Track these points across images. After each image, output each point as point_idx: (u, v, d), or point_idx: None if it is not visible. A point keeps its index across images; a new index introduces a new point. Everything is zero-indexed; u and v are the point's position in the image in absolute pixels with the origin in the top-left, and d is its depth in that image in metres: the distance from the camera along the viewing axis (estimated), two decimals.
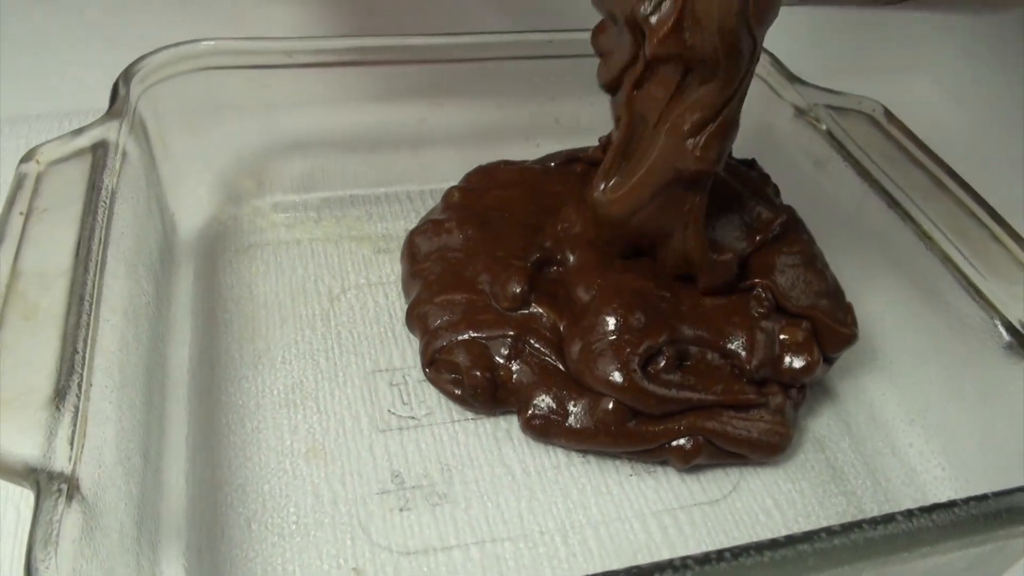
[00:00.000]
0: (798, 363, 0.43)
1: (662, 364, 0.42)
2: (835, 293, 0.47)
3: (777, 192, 0.53)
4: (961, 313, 0.43)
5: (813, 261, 0.47)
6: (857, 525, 0.30)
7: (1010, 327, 0.41)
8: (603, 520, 0.41)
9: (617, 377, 0.41)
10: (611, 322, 0.42)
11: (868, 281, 0.49)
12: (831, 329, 0.44)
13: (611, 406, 0.42)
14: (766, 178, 0.53)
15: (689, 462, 0.42)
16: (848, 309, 0.46)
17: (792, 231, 0.48)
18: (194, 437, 0.43)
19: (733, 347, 0.43)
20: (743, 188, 0.49)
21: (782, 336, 0.44)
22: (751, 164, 0.55)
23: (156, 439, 0.41)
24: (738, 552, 0.28)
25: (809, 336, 0.44)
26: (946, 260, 0.44)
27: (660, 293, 0.44)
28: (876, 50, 0.78)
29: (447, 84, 0.56)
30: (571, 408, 0.43)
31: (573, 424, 0.42)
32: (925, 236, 0.45)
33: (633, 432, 0.42)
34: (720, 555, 0.28)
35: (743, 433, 0.42)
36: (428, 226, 0.51)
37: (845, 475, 0.44)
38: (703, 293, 0.45)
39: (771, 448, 0.43)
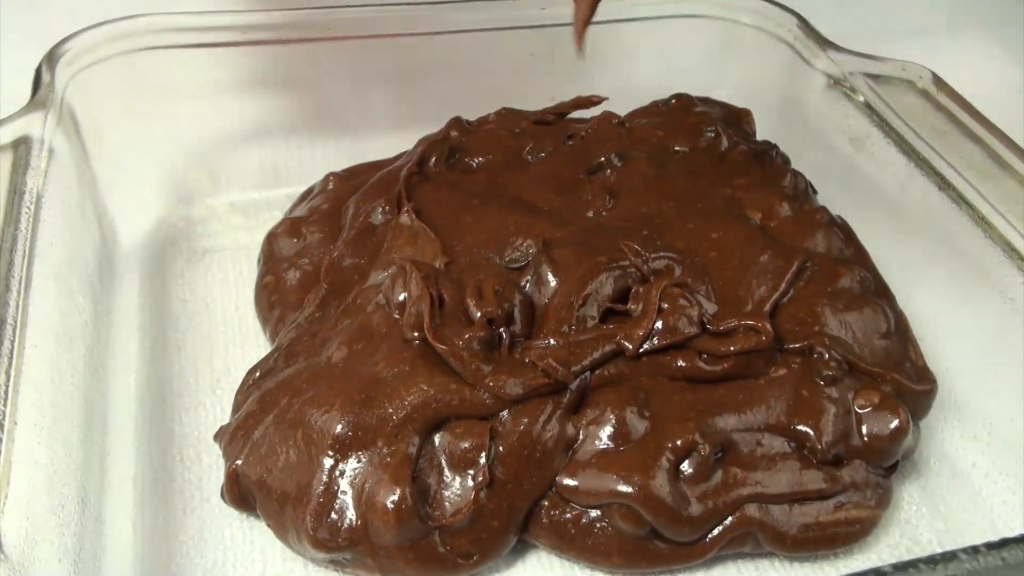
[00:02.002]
0: (884, 429, 0.40)
1: (690, 471, 0.39)
2: (902, 333, 0.45)
3: (810, 188, 0.53)
4: None
5: (867, 290, 0.45)
6: (912, 565, 0.29)
7: None
8: None
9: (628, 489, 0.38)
10: (605, 431, 0.39)
11: (916, 276, 0.49)
12: (910, 390, 0.42)
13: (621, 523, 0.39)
14: (790, 170, 0.52)
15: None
16: (918, 353, 0.44)
17: (833, 248, 0.47)
18: (142, 477, 0.42)
19: (797, 427, 0.40)
20: (750, 195, 0.49)
21: (859, 401, 0.41)
22: (768, 151, 0.54)
23: (96, 482, 0.40)
24: None
25: (890, 395, 0.41)
26: (1009, 249, 0.43)
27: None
28: (922, 7, 0.77)
29: (428, 57, 0.56)
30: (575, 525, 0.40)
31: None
32: (983, 221, 0.44)
33: (656, 554, 0.39)
34: None
35: (814, 530, 0.39)
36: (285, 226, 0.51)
37: (898, 500, 0.43)
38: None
39: (852, 537, 0.40)
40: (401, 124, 0.57)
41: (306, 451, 0.38)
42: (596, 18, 0.50)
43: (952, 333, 0.47)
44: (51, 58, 0.47)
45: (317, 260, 0.49)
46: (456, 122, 0.55)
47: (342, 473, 0.38)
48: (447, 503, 0.38)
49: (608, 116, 0.56)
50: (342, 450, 0.38)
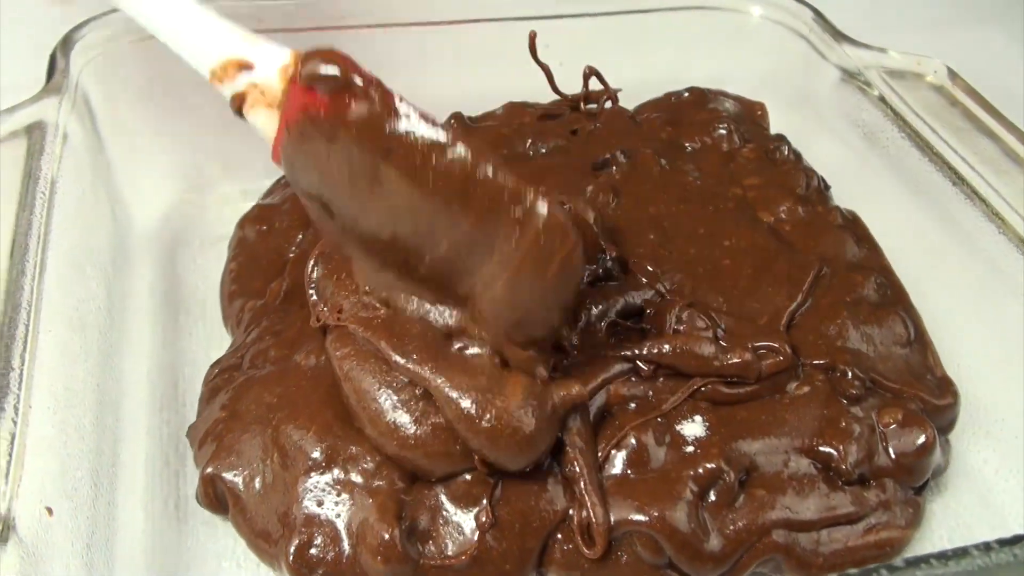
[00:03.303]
0: (910, 446, 0.39)
1: (715, 499, 0.37)
2: (922, 341, 0.44)
3: (822, 185, 0.52)
4: None
5: (885, 297, 0.45)
6: (924, 560, 0.29)
7: None
8: None
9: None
10: (624, 456, 0.37)
11: (930, 271, 0.48)
12: (933, 406, 0.41)
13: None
14: (803, 169, 0.51)
15: None
16: (937, 360, 0.44)
17: (848, 251, 0.46)
18: (154, 461, 0.42)
19: (822, 448, 0.39)
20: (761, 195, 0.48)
21: (883, 419, 0.40)
22: (779, 147, 0.53)
23: (109, 466, 0.39)
24: None
25: (914, 411, 0.40)
26: (1021, 244, 0.42)
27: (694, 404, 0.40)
28: (937, 1, 0.76)
29: (439, 46, 0.55)
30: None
31: None
32: (996, 216, 0.44)
33: None
34: None
35: (842, 555, 0.38)
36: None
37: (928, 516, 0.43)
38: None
39: (881, 560, 0.38)
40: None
41: (282, 475, 0.37)
42: (611, 8, 0.50)
43: (964, 329, 0.47)
44: (66, 44, 0.47)
45: (284, 250, 0.48)
46: (456, 118, 0.55)
47: (321, 503, 0.36)
48: (447, 540, 0.36)
49: (618, 111, 0.56)
50: (322, 479, 0.36)
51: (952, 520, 0.42)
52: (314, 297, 0.40)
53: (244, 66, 0.34)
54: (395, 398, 0.36)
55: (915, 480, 0.39)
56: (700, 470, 0.37)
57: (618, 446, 0.38)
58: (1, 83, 0.55)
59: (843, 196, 0.53)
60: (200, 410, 0.42)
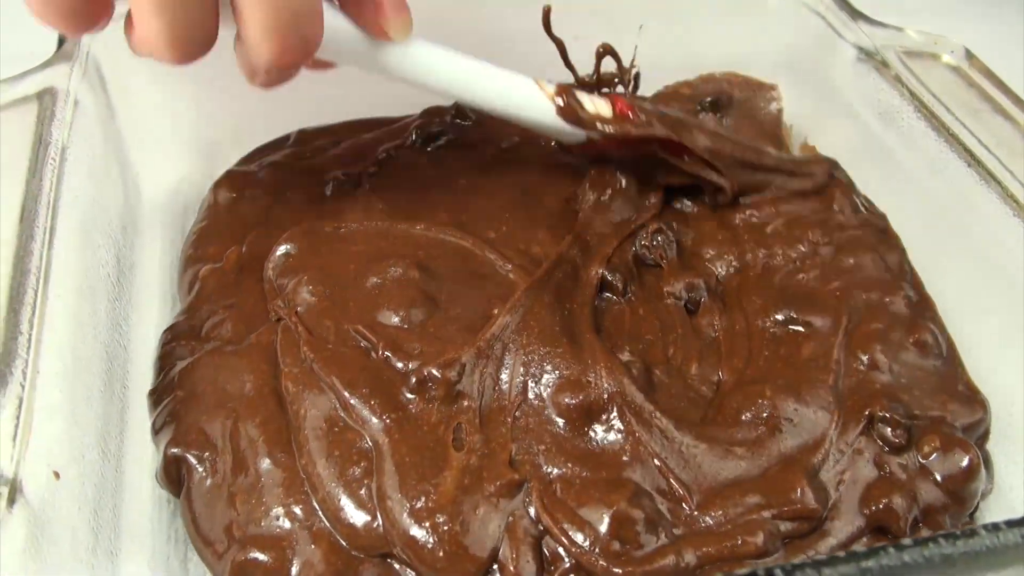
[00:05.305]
0: (956, 469, 0.37)
1: None
2: (951, 353, 0.42)
3: (855, 204, 0.51)
4: None
5: (914, 308, 0.43)
6: (932, 540, 0.29)
7: None
8: None
9: None
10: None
11: (944, 254, 0.47)
12: (968, 425, 0.40)
13: None
14: (844, 185, 0.50)
15: None
16: (963, 368, 0.42)
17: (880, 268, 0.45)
18: None
19: (875, 508, 0.36)
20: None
21: (923, 450, 0.37)
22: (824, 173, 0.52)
23: (116, 432, 0.39)
24: (791, 569, 0.28)
25: (950, 433, 0.38)
26: None
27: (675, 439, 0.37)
28: None
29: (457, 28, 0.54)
30: None
31: None
32: (1012, 199, 0.43)
33: None
34: (770, 572, 0.28)
35: None
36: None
37: None
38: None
39: None
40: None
41: (231, 483, 0.36)
42: None
43: (977, 309, 0.46)
44: None
45: (249, 219, 0.48)
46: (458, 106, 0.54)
47: (267, 526, 0.35)
48: None
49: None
50: (271, 501, 0.35)
51: None
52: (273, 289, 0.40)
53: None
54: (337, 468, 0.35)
55: (967, 507, 0.38)
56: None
57: None
58: (12, 50, 0.54)
59: (858, 179, 0.52)
60: (154, 373, 0.41)
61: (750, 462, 0.37)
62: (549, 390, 0.38)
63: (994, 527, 0.29)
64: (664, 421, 0.37)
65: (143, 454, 0.40)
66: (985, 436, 0.41)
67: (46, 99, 0.42)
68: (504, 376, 0.38)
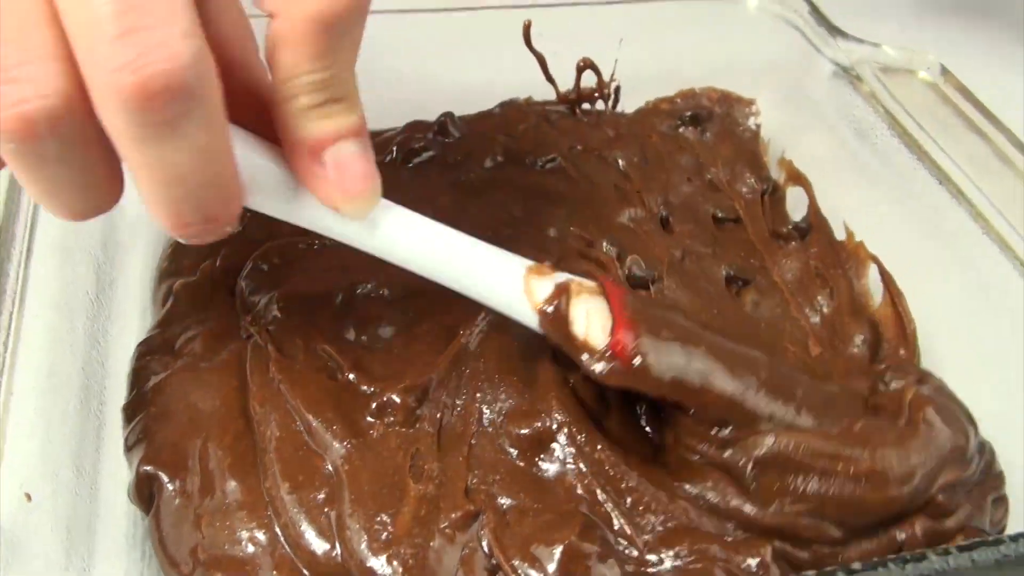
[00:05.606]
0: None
1: None
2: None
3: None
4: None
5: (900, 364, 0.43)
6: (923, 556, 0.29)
7: None
8: None
9: None
10: None
11: (918, 271, 0.48)
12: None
13: None
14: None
15: None
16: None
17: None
18: None
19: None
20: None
21: None
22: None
23: (92, 449, 0.39)
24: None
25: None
26: (1005, 247, 0.42)
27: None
28: None
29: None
30: None
31: None
32: (980, 217, 0.44)
33: None
34: None
35: None
36: None
37: None
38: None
39: None
40: (416, 103, 0.56)
41: (197, 504, 0.36)
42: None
43: (951, 325, 0.46)
44: None
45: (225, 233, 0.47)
46: (446, 118, 0.54)
47: (230, 553, 0.35)
48: None
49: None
50: (236, 524, 0.35)
51: None
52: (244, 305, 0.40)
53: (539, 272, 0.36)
54: (299, 494, 0.35)
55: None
56: None
57: None
58: None
59: (832, 194, 0.52)
60: (131, 390, 0.41)
61: (696, 515, 0.35)
62: (502, 418, 0.37)
63: (996, 541, 0.29)
64: (612, 456, 0.36)
65: (118, 470, 0.40)
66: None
67: None
68: (460, 402, 0.38)
